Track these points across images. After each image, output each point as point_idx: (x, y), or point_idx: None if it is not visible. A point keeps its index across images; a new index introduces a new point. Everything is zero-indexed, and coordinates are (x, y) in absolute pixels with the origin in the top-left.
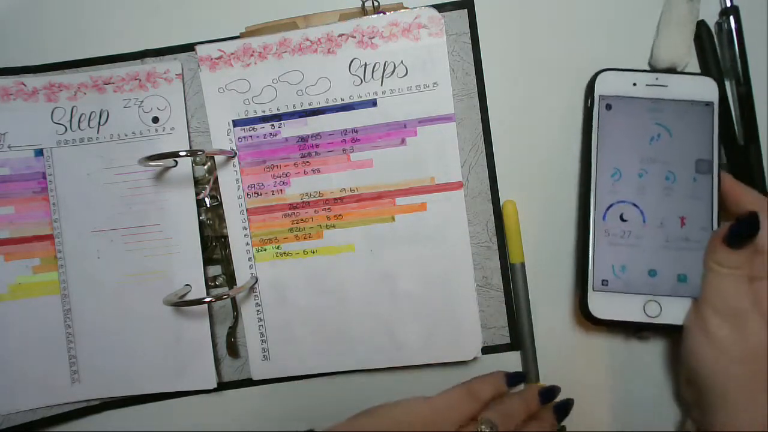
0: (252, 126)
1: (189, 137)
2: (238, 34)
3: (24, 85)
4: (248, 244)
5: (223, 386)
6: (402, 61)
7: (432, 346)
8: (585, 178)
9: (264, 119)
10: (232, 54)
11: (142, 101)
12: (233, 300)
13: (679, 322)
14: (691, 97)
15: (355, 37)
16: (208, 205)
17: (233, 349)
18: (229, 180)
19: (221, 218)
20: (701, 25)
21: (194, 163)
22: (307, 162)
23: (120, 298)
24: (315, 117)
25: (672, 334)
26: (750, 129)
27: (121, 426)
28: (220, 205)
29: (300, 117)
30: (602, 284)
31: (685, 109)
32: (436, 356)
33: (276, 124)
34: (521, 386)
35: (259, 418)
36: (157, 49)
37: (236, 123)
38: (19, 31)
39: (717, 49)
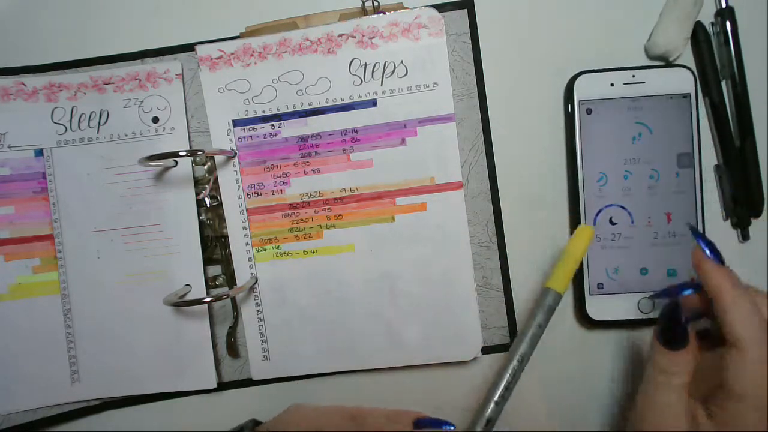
0: (252, 126)
1: (189, 137)
2: (238, 34)
3: (24, 85)
4: (248, 244)
5: (223, 386)
6: (402, 61)
7: (432, 345)
8: (573, 185)
9: (264, 119)
10: (232, 54)
11: (142, 101)
12: (233, 300)
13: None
14: (668, 91)
15: (355, 37)
16: (208, 205)
17: (233, 349)
18: (229, 180)
19: (221, 218)
20: (698, 26)
21: (194, 163)
22: (307, 162)
23: (120, 298)
24: (315, 117)
25: None
26: (745, 129)
27: (121, 426)
28: (220, 205)
29: (300, 117)
30: (598, 288)
31: (663, 103)
32: (436, 356)
33: (276, 124)
34: None
35: (259, 418)
36: (157, 49)
37: (236, 123)
38: (19, 31)
39: (713, 50)
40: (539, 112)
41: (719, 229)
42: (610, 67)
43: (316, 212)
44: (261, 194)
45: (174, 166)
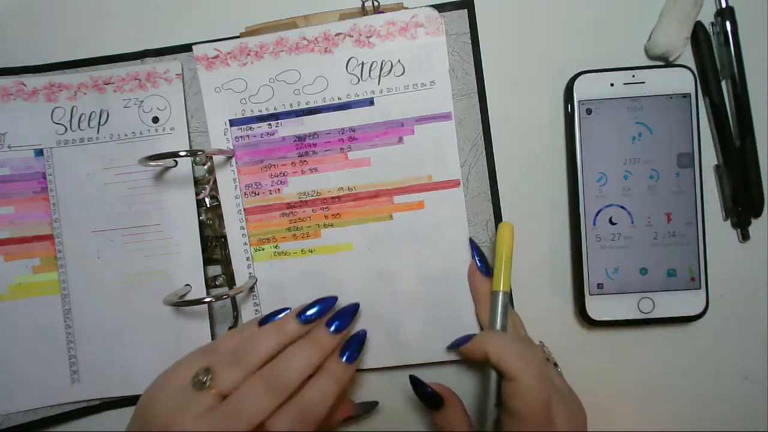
0: (249, 125)
1: (189, 137)
2: (238, 35)
3: (24, 85)
4: (246, 244)
5: None
6: (399, 60)
7: (431, 345)
8: (572, 185)
9: (261, 118)
10: (228, 53)
11: (142, 101)
12: (233, 300)
13: (672, 315)
14: (668, 91)
15: (352, 36)
16: (208, 205)
17: None
18: (227, 180)
19: (221, 218)
20: (698, 26)
21: (194, 163)
22: (305, 161)
23: (120, 298)
24: (312, 116)
25: (667, 328)
26: (745, 129)
27: (121, 426)
28: (220, 205)
29: (297, 116)
30: (598, 288)
31: (663, 103)
32: (435, 355)
33: (273, 123)
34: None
35: None
36: (157, 49)
37: (233, 122)
38: (19, 31)
39: (713, 50)
40: (539, 112)
41: (719, 229)
42: (610, 67)
43: (313, 211)
44: (258, 194)
45: (174, 166)
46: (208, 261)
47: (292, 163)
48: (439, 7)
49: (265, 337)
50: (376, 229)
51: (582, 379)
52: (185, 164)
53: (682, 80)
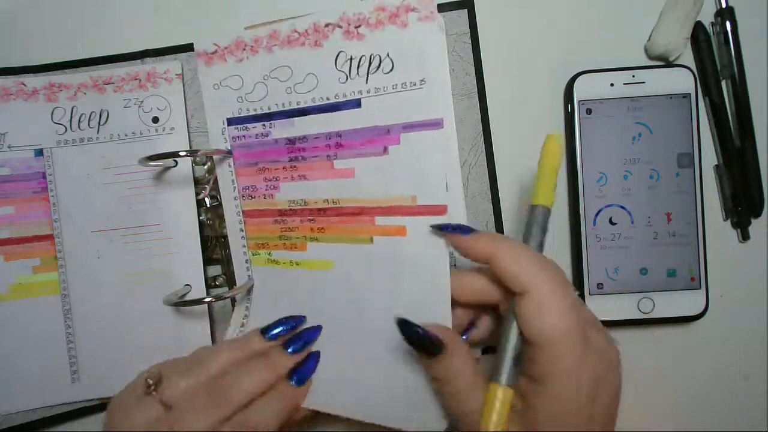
0: (245, 125)
1: (189, 137)
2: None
3: (24, 85)
4: (245, 246)
5: None
6: (388, 54)
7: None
8: (572, 185)
9: (256, 118)
10: (225, 48)
11: (142, 101)
12: (233, 300)
13: (672, 315)
14: (668, 91)
15: (341, 27)
16: (208, 205)
17: None
18: (226, 180)
19: (221, 218)
20: (698, 26)
21: (194, 163)
22: (294, 167)
23: (120, 298)
24: (302, 118)
25: (667, 328)
26: (745, 129)
27: None
28: (221, 205)
29: (288, 117)
30: (598, 288)
31: (663, 103)
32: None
33: (267, 124)
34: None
35: None
36: (157, 49)
37: (230, 121)
38: (19, 31)
39: (713, 50)
40: (539, 112)
41: (719, 229)
42: (610, 67)
43: (301, 222)
44: (254, 197)
45: (174, 166)
46: (208, 261)
47: (283, 168)
48: (439, 7)
49: (223, 350)
50: (355, 251)
51: None
52: (185, 164)
53: (682, 80)
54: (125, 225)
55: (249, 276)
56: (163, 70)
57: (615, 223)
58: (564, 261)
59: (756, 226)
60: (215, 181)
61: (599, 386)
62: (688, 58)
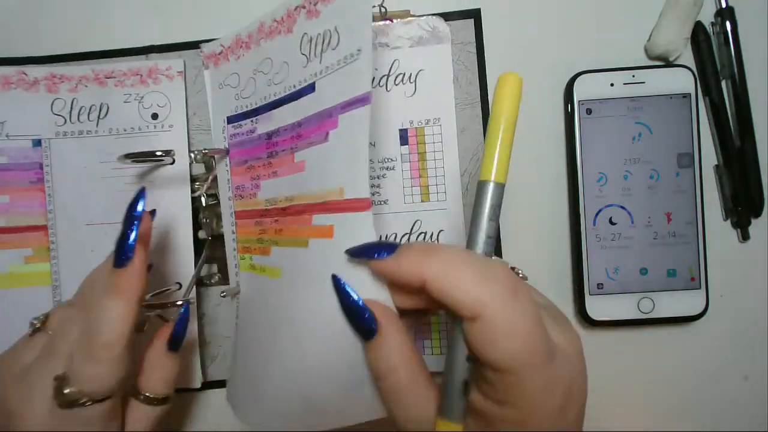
0: (239, 123)
1: (188, 135)
2: None
3: (25, 74)
4: (235, 249)
5: (207, 386)
6: (336, 27)
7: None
8: (572, 185)
9: (246, 115)
10: (228, 47)
11: (142, 97)
12: None
13: (672, 315)
14: (668, 91)
15: (305, 7)
16: (204, 204)
17: None
18: (222, 179)
19: (218, 217)
20: (697, 26)
21: (194, 160)
22: (270, 163)
23: None
24: (278, 110)
25: (667, 328)
26: (745, 129)
27: None
28: (218, 203)
29: (268, 110)
30: (598, 288)
31: (663, 103)
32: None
33: (254, 119)
34: None
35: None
36: (160, 45)
37: (229, 120)
38: (23, 22)
39: (713, 50)
40: (539, 112)
41: (719, 229)
42: (610, 67)
43: (270, 223)
44: (243, 197)
45: (171, 163)
46: (206, 259)
47: (263, 165)
48: (446, 16)
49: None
50: (295, 257)
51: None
52: (182, 162)
53: (682, 80)
54: (120, 219)
55: (237, 282)
56: (165, 66)
57: (615, 223)
58: (564, 261)
59: (756, 226)
60: (214, 179)
61: (569, 395)
62: (688, 58)
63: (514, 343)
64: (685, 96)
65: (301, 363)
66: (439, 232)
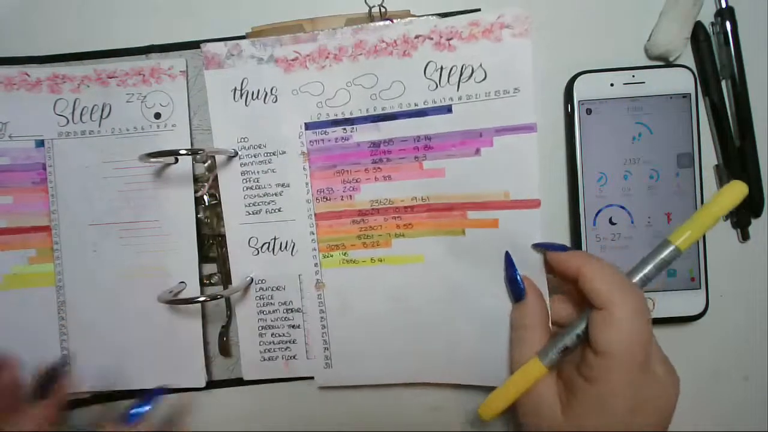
0: (324, 129)
1: (191, 135)
2: (244, 34)
3: (28, 75)
4: (315, 249)
5: (212, 385)
6: (481, 65)
7: (489, 367)
8: (572, 185)
9: (336, 123)
10: (307, 56)
11: (145, 96)
12: (227, 300)
13: (672, 315)
14: (668, 91)
15: (432, 39)
16: (207, 204)
17: (225, 349)
18: (230, 179)
19: (219, 217)
20: (698, 26)
21: (195, 161)
22: (378, 168)
23: (115, 293)
24: (388, 122)
25: (667, 328)
26: (745, 129)
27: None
28: (219, 203)
29: (373, 122)
30: None
31: (663, 103)
32: (492, 379)
33: (348, 128)
34: None
35: (249, 418)
36: (162, 45)
37: (308, 126)
38: (25, 22)
39: (713, 50)
40: (539, 112)
41: (719, 229)
42: (610, 67)
43: (385, 220)
44: (330, 199)
45: (174, 163)
46: (205, 259)
47: (365, 170)
48: (446, 16)
49: None
50: (447, 243)
51: None
52: (185, 162)
53: (682, 80)
54: (123, 220)
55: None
56: (167, 66)
57: (615, 223)
58: None
59: (756, 226)
60: (215, 179)
61: (644, 408)
62: (688, 58)
63: (619, 336)
64: (685, 96)
65: (450, 325)
66: None
